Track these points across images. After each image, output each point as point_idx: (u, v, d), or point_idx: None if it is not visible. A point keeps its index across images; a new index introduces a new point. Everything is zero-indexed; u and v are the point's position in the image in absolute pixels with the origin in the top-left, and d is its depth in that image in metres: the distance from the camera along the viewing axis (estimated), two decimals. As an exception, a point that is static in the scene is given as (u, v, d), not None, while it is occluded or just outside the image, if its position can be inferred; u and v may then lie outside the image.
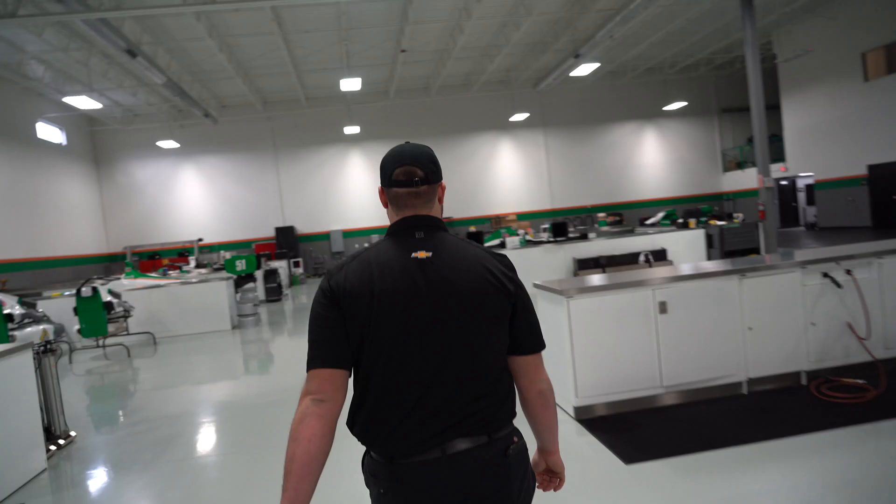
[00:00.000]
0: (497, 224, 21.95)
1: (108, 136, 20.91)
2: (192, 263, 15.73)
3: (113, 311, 8.23)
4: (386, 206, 1.63)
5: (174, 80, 14.57)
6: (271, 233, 21.19)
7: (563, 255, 11.47)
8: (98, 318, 7.85)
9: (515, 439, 1.55)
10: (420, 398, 1.46)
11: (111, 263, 20.32)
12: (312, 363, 1.47)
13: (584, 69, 15.35)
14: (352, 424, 1.53)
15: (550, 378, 1.66)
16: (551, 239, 11.78)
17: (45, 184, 17.51)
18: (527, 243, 11.89)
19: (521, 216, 22.11)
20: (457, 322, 1.48)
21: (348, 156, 22.10)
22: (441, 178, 1.62)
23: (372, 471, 1.52)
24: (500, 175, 23.07)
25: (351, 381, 1.51)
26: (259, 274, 12.62)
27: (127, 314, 8.75)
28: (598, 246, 11.59)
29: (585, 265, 11.24)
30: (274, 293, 13.83)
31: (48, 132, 18.09)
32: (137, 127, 20.33)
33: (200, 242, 19.39)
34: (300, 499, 1.36)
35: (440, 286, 1.48)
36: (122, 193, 21.30)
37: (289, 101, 21.19)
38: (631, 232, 15.79)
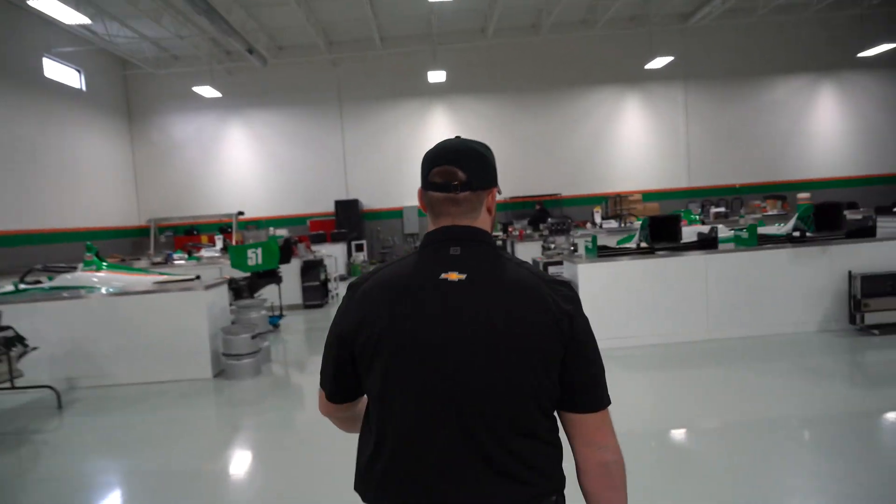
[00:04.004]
0: (617, 206, 16.84)
1: (142, 82, 17.11)
2: (219, 245, 11.59)
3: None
4: (425, 211, 1.29)
5: (193, -14, 10.31)
6: (330, 207, 16.90)
7: (829, 264, 6.16)
8: None
9: None
10: (440, 458, 1.14)
11: (143, 238, 16.72)
12: (324, 388, 1.34)
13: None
14: (362, 483, 1.23)
15: None
16: (797, 234, 6.37)
17: (57, 138, 13.82)
18: (759, 241, 6.53)
19: (648, 196, 16.99)
20: (487, 367, 1.13)
21: (430, 112, 17.43)
22: (492, 184, 1.28)
23: None
24: (622, 142, 17.85)
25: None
26: (293, 267, 8.16)
27: (14, 349, 4.48)
28: (892, 251, 6.20)
29: (877, 288, 5.92)
30: (315, 295, 9.36)
31: (60, 72, 14.39)
32: (174, 70, 16.43)
33: (241, 217, 15.33)
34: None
35: (467, 318, 1.14)
36: (158, 154, 17.55)
37: (359, 41, 16.62)
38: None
